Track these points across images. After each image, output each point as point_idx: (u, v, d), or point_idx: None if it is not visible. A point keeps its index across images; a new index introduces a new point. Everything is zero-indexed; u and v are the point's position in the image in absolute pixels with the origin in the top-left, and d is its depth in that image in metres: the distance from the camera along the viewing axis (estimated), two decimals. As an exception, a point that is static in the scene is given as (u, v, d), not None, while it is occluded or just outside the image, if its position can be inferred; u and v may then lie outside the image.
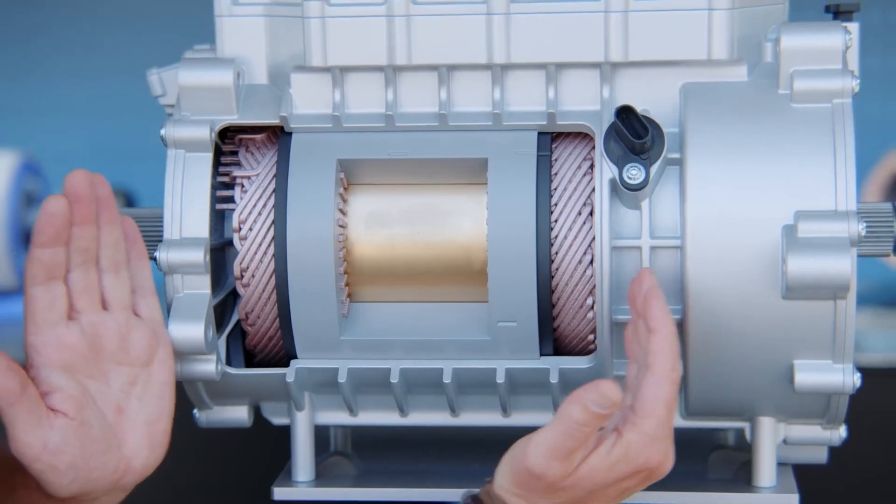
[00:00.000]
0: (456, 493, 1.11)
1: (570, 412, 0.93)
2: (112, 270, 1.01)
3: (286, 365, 1.08)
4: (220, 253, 1.09)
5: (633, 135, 1.01)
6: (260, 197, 1.07)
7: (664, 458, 0.96)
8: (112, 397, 1.01)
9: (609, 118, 1.03)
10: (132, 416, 1.02)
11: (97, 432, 0.99)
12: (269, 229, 1.07)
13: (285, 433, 1.12)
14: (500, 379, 1.05)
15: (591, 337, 1.06)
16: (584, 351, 1.07)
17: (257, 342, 1.10)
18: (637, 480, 0.97)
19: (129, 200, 2.58)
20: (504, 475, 0.98)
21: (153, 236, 1.08)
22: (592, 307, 1.05)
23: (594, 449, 0.96)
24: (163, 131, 1.07)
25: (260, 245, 1.07)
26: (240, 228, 1.07)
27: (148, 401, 1.02)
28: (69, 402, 0.97)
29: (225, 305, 1.10)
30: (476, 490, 1.00)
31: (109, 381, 1.01)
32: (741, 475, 1.10)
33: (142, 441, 1.02)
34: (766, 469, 1.08)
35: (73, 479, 0.98)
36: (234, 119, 1.08)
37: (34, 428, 0.96)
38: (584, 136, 1.06)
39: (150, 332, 1.03)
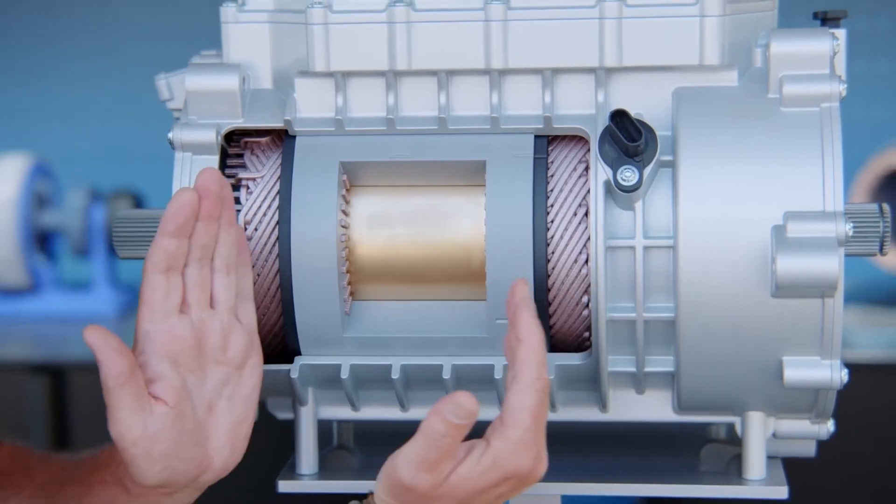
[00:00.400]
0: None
1: (431, 424, 0.95)
2: (224, 271, 1.02)
3: (290, 361, 1.08)
4: (226, 253, 1.09)
5: (627, 138, 1.01)
6: (265, 198, 1.07)
7: (534, 464, 0.97)
8: (206, 394, 1.02)
9: (604, 122, 1.03)
10: (220, 414, 1.02)
11: (190, 425, 1.00)
12: (273, 229, 1.07)
13: (289, 427, 1.12)
14: (498, 375, 1.05)
15: (586, 334, 1.06)
16: (579, 347, 1.07)
17: (262, 339, 1.10)
18: (509, 486, 0.98)
19: (137, 201, 2.57)
20: (382, 487, 0.99)
21: (161, 236, 1.08)
22: (587, 305, 1.05)
23: (464, 459, 0.97)
24: (170, 134, 1.07)
25: (265, 245, 1.07)
26: (245, 229, 1.07)
27: (235, 402, 1.03)
28: (171, 391, 0.99)
29: (231, 303, 1.10)
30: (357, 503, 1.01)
31: (206, 378, 1.02)
32: (732, 468, 1.10)
33: (224, 440, 1.03)
34: (755, 462, 1.08)
35: (164, 467, 0.99)
36: (240, 123, 1.08)
37: (137, 412, 0.97)
38: (579, 140, 1.06)
39: (248, 336, 1.03)
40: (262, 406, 1.14)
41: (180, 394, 0.99)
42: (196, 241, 0.99)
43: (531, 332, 0.96)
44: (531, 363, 0.96)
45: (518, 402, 0.96)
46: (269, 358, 1.11)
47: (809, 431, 1.09)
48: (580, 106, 1.05)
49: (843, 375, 1.03)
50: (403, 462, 0.97)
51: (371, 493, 1.00)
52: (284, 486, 1.11)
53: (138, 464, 0.98)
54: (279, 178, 1.07)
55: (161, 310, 0.99)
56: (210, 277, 1.01)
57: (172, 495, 1.03)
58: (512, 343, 0.97)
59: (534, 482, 0.99)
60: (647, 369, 1.06)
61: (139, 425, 0.97)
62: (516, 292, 0.97)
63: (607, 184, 1.02)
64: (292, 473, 1.11)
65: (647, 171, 1.02)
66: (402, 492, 0.97)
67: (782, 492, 1.07)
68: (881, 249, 1.06)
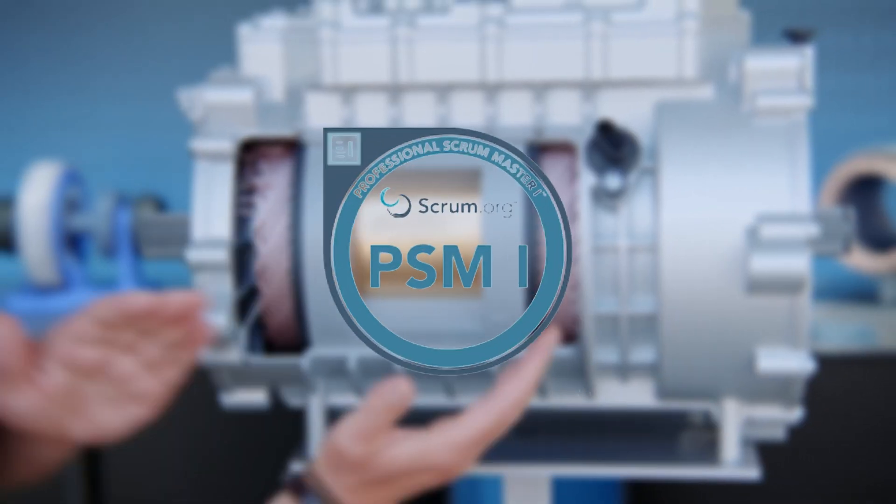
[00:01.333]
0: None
1: (371, 401, 0.98)
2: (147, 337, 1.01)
3: (302, 353, 1.08)
4: (242, 253, 1.09)
5: (612, 147, 1.01)
6: (278, 203, 1.07)
7: (457, 467, 1.00)
8: (92, 396, 1.01)
9: (590, 132, 1.03)
10: (102, 402, 1.02)
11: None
12: (286, 232, 1.07)
13: (299, 415, 1.12)
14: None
15: (573, 328, 1.06)
16: (567, 340, 1.07)
17: (275, 333, 1.10)
18: (430, 477, 1.00)
19: (160, 206, 2.57)
20: (321, 454, 1.01)
21: (182, 238, 1.08)
22: (575, 301, 1.05)
23: (401, 442, 0.99)
24: (191, 144, 1.07)
25: (278, 246, 1.07)
26: (260, 231, 1.07)
27: (112, 411, 1.02)
28: (52, 384, 1.00)
29: (246, 300, 1.10)
30: (298, 471, 1.02)
31: (93, 386, 1.01)
32: (708, 451, 1.10)
33: (88, 424, 1.02)
34: (730, 445, 1.08)
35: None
36: (255, 133, 1.08)
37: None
38: (567, 149, 1.06)
39: (149, 388, 1.02)
40: (275, 396, 1.14)
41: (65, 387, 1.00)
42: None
43: (537, 360, 0.99)
44: (512, 397, 0.99)
45: (477, 415, 0.99)
46: (281, 350, 1.11)
47: (780, 417, 1.09)
48: (568, 117, 1.05)
49: (810, 365, 1.03)
50: (343, 430, 0.99)
51: (312, 463, 1.02)
52: (296, 467, 1.11)
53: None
54: (291, 184, 1.07)
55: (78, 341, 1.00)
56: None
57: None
58: (509, 371, 1.00)
59: (452, 477, 1.00)
60: (631, 360, 1.06)
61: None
62: (545, 339, 1.01)
63: (593, 189, 1.02)
64: (303, 456, 1.11)
65: (631, 177, 1.02)
66: (336, 458, 0.99)
67: (755, 473, 1.07)
68: (845, 249, 1.07)
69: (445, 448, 0.99)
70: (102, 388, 1.02)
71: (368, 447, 0.99)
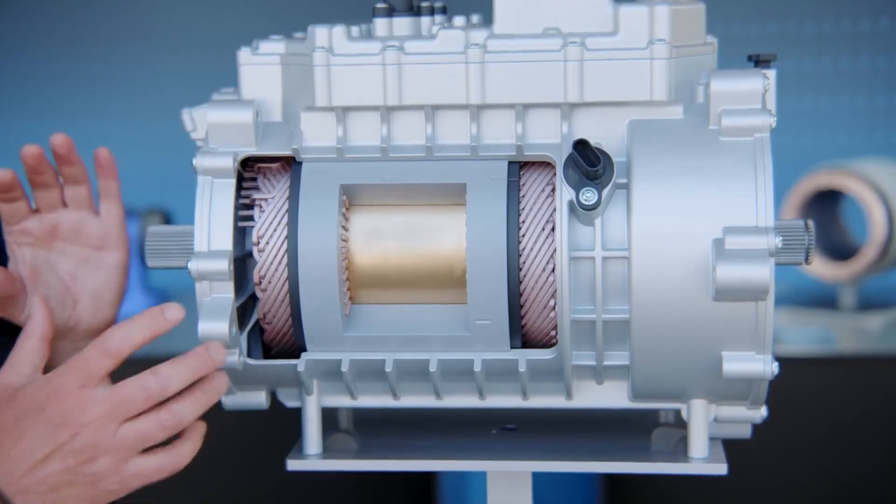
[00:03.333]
0: (440, 464, 1.11)
1: (89, 352, 1.01)
2: (71, 185, 1.15)
3: (298, 357, 1.08)
4: (242, 263, 1.09)
5: (588, 163, 1.01)
6: (275, 216, 1.07)
7: (71, 396, 1.00)
8: (67, 266, 1.16)
9: (567, 149, 1.03)
10: (83, 282, 1.16)
11: (53, 287, 1.14)
12: (283, 243, 1.06)
13: (296, 414, 1.12)
14: (478, 368, 1.05)
15: (552, 333, 1.06)
16: (547, 344, 1.07)
17: (273, 338, 1.10)
18: (50, 411, 0.99)
19: (166, 218, 2.57)
20: None
21: (186, 249, 1.08)
22: (554, 308, 1.04)
23: (37, 381, 1.01)
24: (194, 161, 1.07)
25: (275, 256, 1.07)
26: (258, 242, 1.07)
27: (98, 274, 1.16)
28: (25, 266, 1.14)
29: (246, 307, 1.09)
30: None
31: (64, 255, 1.16)
32: (679, 448, 1.10)
33: (89, 302, 1.16)
34: (699, 443, 1.08)
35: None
36: (254, 150, 1.07)
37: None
38: (546, 165, 1.06)
39: (103, 225, 1.16)
40: (273, 395, 1.13)
41: (33, 266, 1.14)
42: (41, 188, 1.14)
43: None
44: (120, 335, 1.01)
45: (85, 348, 1.00)
46: (279, 354, 1.11)
47: (745, 416, 1.09)
48: (547, 136, 1.05)
49: (774, 368, 1.03)
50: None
51: None
52: (293, 464, 1.10)
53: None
54: (288, 198, 1.07)
55: (9, 221, 1.14)
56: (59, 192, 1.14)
57: (65, 342, 1.15)
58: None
59: (72, 414, 0.99)
60: (606, 363, 1.06)
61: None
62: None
63: (571, 203, 1.02)
64: (299, 454, 1.11)
65: (606, 192, 1.02)
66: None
67: (722, 468, 1.07)
68: (807, 259, 1.06)
69: (57, 371, 1.00)
70: None
71: (13, 371, 1.01)
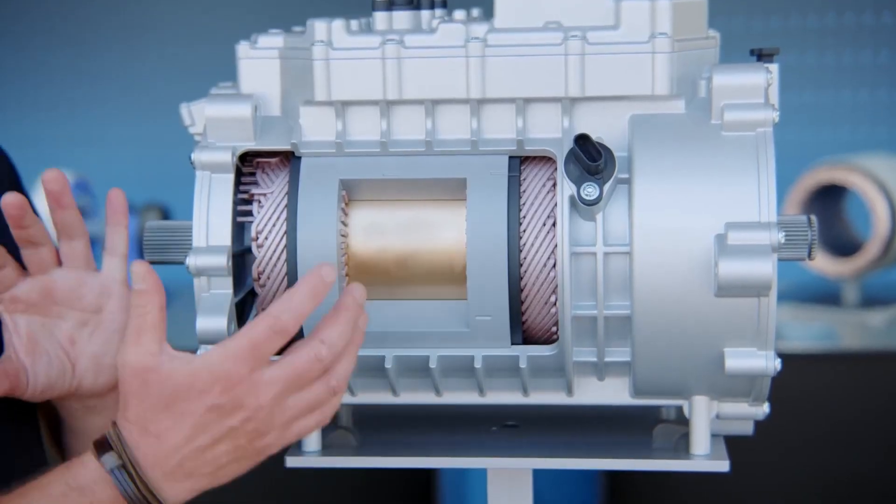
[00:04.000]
0: (440, 461, 1.11)
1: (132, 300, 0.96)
2: (67, 239, 1.09)
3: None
4: (241, 259, 1.09)
5: (589, 158, 1.01)
6: (274, 211, 1.07)
7: (245, 377, 0.94)
8: (66, 331, 1.09)
9: (568, 144, 1.03)
10: (82, 346, 1.10)
11: (51, 354, 1.08)
12: (282, 238, 1.06)
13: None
14: (478, 364, 1.05)
15: (553, 329, 1.05)
16: (548, 340, 1.07)
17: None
18: (218, 392, 0.94)
19: (164, 214, 2.57)
20: (120, 391, 0.97)
21: (184, 245, 1.07)
22: (555, 304, 1.04)
23: (180, 355, 0.95)
24: (192, 156, 1.07)
25: (274, 252, 1.06)
26: (257, 238, 1.07)
27: (96, 338, 1.10)
28: (18, 339, 1.07)
29: (245, 303, 1.09)
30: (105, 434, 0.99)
31: (63, 320, 1.09)
32: (680, 445, 1.10)
33: (88, 366, 1.10)
34: (701, 440, 1.07)
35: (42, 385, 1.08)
36: (253, 145, 1.07)
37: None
38: (547, 160, 1.06)
39: (101, 286, 1.10)
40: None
41: (30, 336, 1.07)
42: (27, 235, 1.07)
43: (300, 289, 0.95)
44: (281, 307, 0.94)
45: (250, 326, 0.94)
46: (279, 350, 1.10)
47: (747, 413, 1.09)
48: (548, 130, 1.05)
49: (776, 364, 1.03)
50: (120, 348, 0.96)
51: (114, 423, 0.98)
52: (291, 461, 1.10)
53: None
54: (287, 193, 1.07)
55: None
56: (52, 249, 1.08)
57: (72, 403, 1.12)
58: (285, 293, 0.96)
59: (245, 399, 0.95)
60: (607, 359, 1.05)
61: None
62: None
63: (572, 198, 1.02)
64: (298, 451, 1.11)
65: (607, 187, 1.02)
66: (122, 380, 0.95)
67: (724, 465, 1.07)
68: (809, 255, 1.06)
69: (221, 356, 0.94)
70: None
71: (139, 348, 0.93)
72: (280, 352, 0.98)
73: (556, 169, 1.05)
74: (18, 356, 1.07)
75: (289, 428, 0.98)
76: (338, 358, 0.98)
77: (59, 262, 1.09)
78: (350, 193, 1.07)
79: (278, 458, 1.11)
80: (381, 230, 1.07)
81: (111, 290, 1.10)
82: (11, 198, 1.04)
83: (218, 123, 1.07)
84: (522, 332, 1.06)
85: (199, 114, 1.09)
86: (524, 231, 1.04)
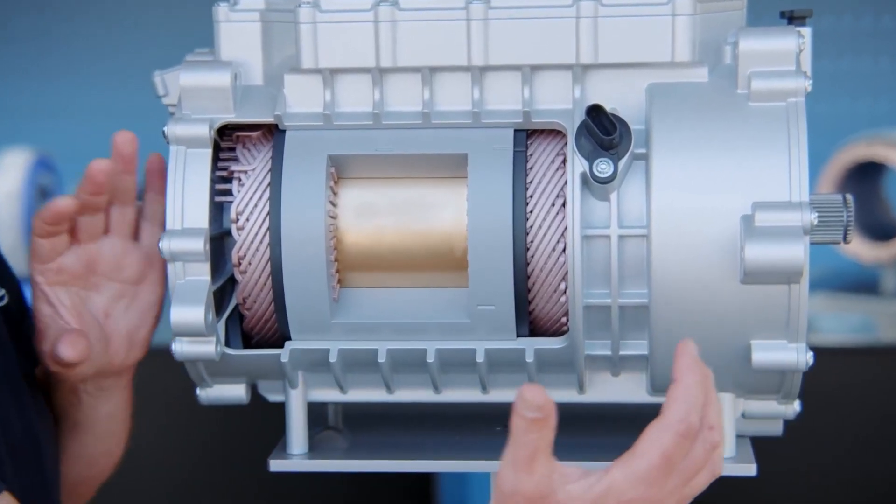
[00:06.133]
0: (439, 465, 1.11)
1: (514, 423, 0.89)
2: (118, 204, 1.12)
3: (281, 346, 1.08)
4: (219, 242, 1.09)
5: (603, 132, 1.01)
6: (256, 190, 1.07)
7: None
8: (102, 304, 1.13)
9: (580, 116, 1.03)
10: (117, 321, 1.14)
11: (93, 329, 1.12)
12: (264, 220, 1.06)
13: (279, 410, 1.12)
14: (480, 358, 1.05)
15: (563, 319, 1.06)
16: (557, 332, 1.07)
17: (254, 325, 1.10)
18: None
19: (137, 195, 2.57)
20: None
21: (157, 227, 1.08)
22: (565, 292, 1.04)
23: (579, 479, 0.92)
24: (165, 129, 1.07)
25: (256, 235, 1.06)
26: (237, 219, 1.07)
27: (132, 312, 1.14)
28: (71, 313, 1.12)
29: (224, 291, 1.09)
30: None
31: (101, 292, 1.13)
32: (703, 447, 1.10)
33: (122, 342, 1.14)
34: (726, 441, 1.08)
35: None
36: (232, 117, 1.07)
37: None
38: (557, 133, 1.06)
39: (144, 256, 1.13)
40: (254, 389, 1.14)
41: (74, 309, 1.12)
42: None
43: (688, 372, 0.91)
44: (679, 403, 0.91)
45: (653, 437, 0.91)
46: (260, 343, 1.11)
47: (776, 412, 1.09)
48: (558, 101, 1.05)
49: (808, 358, 1.03)
50: (502, 469, 0.91)
51: None
52: (275, 465, 1.11)
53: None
54: (270, 170, 1.07)
55: (46, 258, 1.11)
56: (102, 214, 1.11)
57: (87, 384, 1.17)
58: (669, 388, 0.92)
59: None
60: (622, 353, 1.06)
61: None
62: (684, 344, 0.93)
63: (584, 176, 1.02)
64: (283, 453, 1.11)
65: (622, 163, 1.02)
66: (507, 500, 0.91)
67: (751, 469, 1.07)
68: (845, 238, 1.06)
69: (633, 480, 0.91)
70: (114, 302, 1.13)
71: (535, 476, 0.90)
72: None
73: (566, 143, 1.05)
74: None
75: (681, 494, 0.94)
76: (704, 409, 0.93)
77: (107, 231, 1.13)
78: (339, 170, 1.07)
79: (261, 461, 1.12)
80: (373, 211, 1.07)
81: (154, 261, 1.13)
82: (126, 135, 1.10)
83: (194, 93, 1.07)
84: (529, 324, 1.06)
85: (174, 83, 1.09)
86: (531, 212, 1.04)
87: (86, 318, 1.12)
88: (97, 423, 1.20)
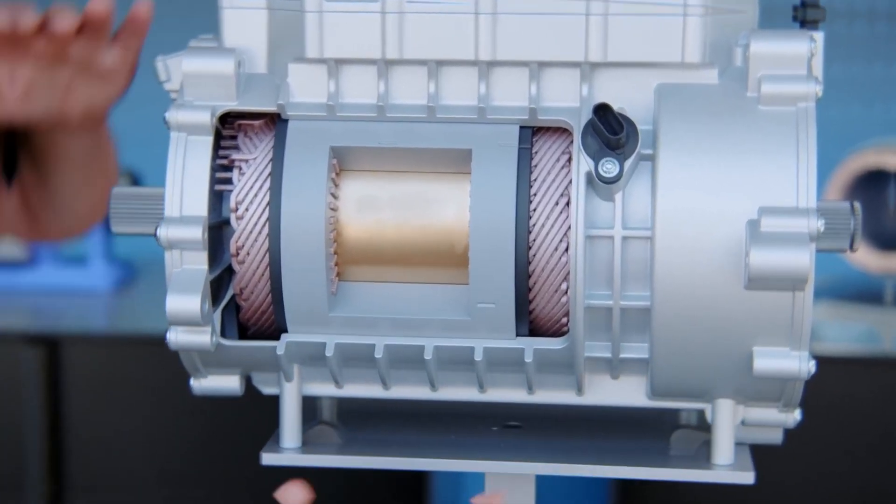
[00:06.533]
0: (433, 463, 1.11)
1: None
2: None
3: (277, 338, 1.08)
4: (218, 231, 1.09)
5: (609, 131, 1.01)
6: (256, 179, 1.07)
7: None
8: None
9: (587, 115, 1.03)
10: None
11: None
12: (264, 210, 1.06)
13: (273, 402, 1.12)
14: (479, 357, 1.05)
15: (564, 320, 1.06)
16: (557, 333, 1.07)
17: (250, 316, 1.10)
18: None
19: (135, 180, 2.57)
20: None
21: (155, 214, 1.08)
22: (566, 292, 1.04)
23: None
24: (167, 115, 1.07)
25: (255, 225, 1.07)
26: (237, 208, 1.07)
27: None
28: None
29: (221, 281, 1.09)
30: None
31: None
32: (701, 453, 1.10)
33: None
34: (724, 448, 1.08)
35: None
36: (234, 105, 1.07)
37: None
38: (563, 131, 1.06)
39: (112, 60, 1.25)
40: (248, 381, 1.14)
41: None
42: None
43: None
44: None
45: None
46: (256, 335, 1.11)
47: (777, 420, 1.09)
48: (564, 99, 1.05)
49: (810, 367, 1.03)
50: None
51: None
52: (268, 458, 1.11)
53: None
54: (271, 160, 1.07)
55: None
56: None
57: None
58: None
59: None
60: (623, 355, 1.06)
61: None
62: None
63: (589, 175, 1.02)
64: (276, 447, 1.11)
65: (628, 163, 1.02)
66: None
67: (749, 477, 1.07)
68: (851, 246, 1.06)
69: None
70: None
71: None
72: None
73: (571, 142, 1.05)
74: None
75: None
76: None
77: None
78: (342, 162, 1.07)
79: (253, 454, 1.12)
80: (374, 204, 1.07)
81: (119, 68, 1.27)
82: (101, 2, 1.24)
83: (196, 80, 1.07)
84: (529, 323, 1.06)
85: (176, 68, 1.09)
86: (534, 210, 1.04)
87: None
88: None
